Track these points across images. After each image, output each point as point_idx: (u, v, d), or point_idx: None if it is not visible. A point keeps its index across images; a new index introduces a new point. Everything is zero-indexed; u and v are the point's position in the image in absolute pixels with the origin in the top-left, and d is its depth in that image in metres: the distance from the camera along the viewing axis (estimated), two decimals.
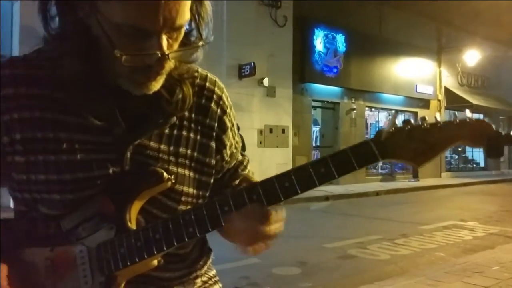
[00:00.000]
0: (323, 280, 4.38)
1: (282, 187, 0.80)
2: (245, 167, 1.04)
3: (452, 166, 20.92)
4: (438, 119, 0.77)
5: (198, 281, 1.01)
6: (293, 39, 13.22)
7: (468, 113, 0.77)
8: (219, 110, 0.97)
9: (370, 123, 17.47)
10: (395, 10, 16.25)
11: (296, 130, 13.50)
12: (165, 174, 0.85)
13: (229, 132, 1.00)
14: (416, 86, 17.43)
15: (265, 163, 11.64)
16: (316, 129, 15.94)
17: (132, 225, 0.84)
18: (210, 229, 0.81)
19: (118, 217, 0.83)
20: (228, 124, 0.99)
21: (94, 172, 0.84)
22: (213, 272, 1.07)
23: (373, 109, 17.06)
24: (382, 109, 17.13)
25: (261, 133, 12.28)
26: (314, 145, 15.53)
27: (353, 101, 15.30)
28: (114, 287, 0.82)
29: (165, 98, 0.88)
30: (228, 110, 0.99)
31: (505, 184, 16.73)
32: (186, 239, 0.81)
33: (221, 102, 0.98)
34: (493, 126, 0.75)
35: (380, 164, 17.64)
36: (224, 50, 11.34)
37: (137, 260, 0.81)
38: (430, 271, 4.34)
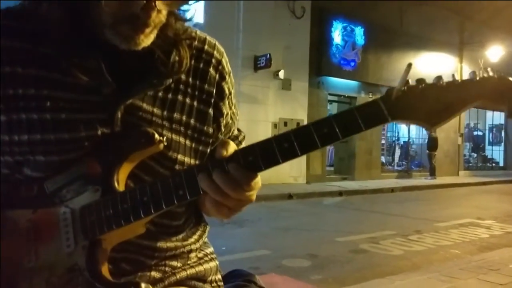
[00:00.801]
0: (334, 273, 4.30)
1: (281, 149, 0.72)
2: (240, 142, 0.99)
3: (470, 164, 20.54)
4: (456, 77, 0.68)
5: (193, 256, 0.94)
6: (310, 31, 13.05)
7: (489, 70, 0.68)
8: (217, 76, 0.91)
9: None
10: (417, 3, 15.92)
11: None
12: (156, 135, 0.79)
13: (227, 100, 0.94)
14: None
15: None
16: None
17: (120, 189, 0.78)
18: (201, 192, 0.74)
19: (105, 179, 0.78)
20: (227, 92, 0.93)
21: (81, 133, 0.78)
22: (210, 250, 1.01)
23: None
24: None
25: (275, 126, 12.18)
26: None
27: (370, 96, 15.03)
28: (98, 252, 0.76)
29: (160, 58, 0.82)
30: (227, 77, 0.94)
31: None
32: (175, 202, 0.75)
33: (220, 67, 0.92)
34: None
35: (396, 161, 17.47)
36: (239, 41, 11.28)
37: (123, 223, 0.75)
38: (444, 268, 4.22)
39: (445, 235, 6.32)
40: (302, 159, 12.62)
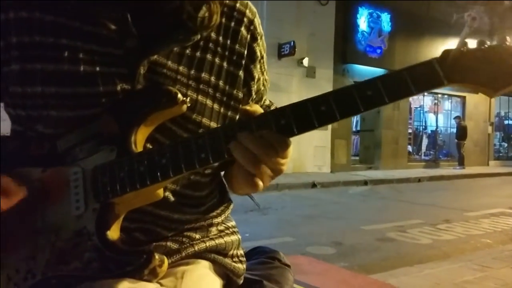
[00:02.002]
0: (360, 261, 4.20)
1: (318, 112, 0.64)
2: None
3: (501, 154, 19.94)
4: None
5: (213, 229, 0.88)
6: (335, 17, 12.78)
7: None
8: (249, 36, 0.85)
9: (414, 108, 16.84)
10: None
11: None
12: (179, 95, 0.72)
13: (258, 64, 0.87)
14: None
15: (303, 145, 11.44)
16: None
17: (137, 150, 0.72)
18: (226, 156, 0.67)
19: (121, 139, 0.72)
20: (258, 54, 0.86)
21: (100, 88, 0.73)
22: (232, 223, 0.94)
23: None
24: (428, 93, 16.45)
25: None
26: (354, 129, 15.15)
27: None
28: (110, 217, 0.70)
29: (188, 12, 0.76)
30: (260, 39, 0.87)
31: None
32: (197, 166, 0.68)
33: (252, 28, 0.85)
34: None
35: (423, 150, 17.09)
36: (263, 28, 11.04)
37: (138, 186, 0.69)
38: (476, 257, 4.08)
39: (475, 224, 6.13)
40: (327, 148, 12.47)
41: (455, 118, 16.52)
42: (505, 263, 3.77)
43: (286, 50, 11.45)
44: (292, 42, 11.28)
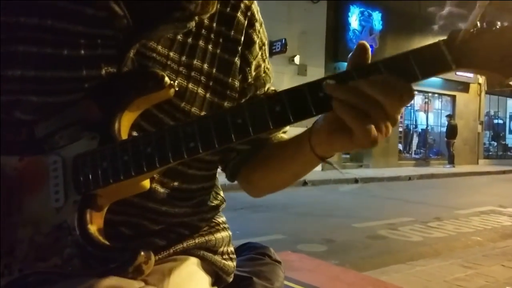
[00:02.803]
0: (351, 258, 4.19)
1: (314, 96, 0.60)
2: None
3: (490, 153, 20.16)
4: None
5: (203, 225, 0.84)
6: (327, 16, 12.84)
7: None
8: (246, 22, 0.80)
9: (405, 107, 16.92)
10: None
11: None
12: (166, 78, 0.67)
13: (256, 50, 0.82)
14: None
15: None
16: None
17: (121, 138, 0.67)
18: (216, 145, 0.62)
19: (104, 126, 0.67)
20: (256, 39, 0.82)
21: (83, 72, 0.68)
22: (222, 219, 0.90)
23: None
24: (419, 91, 16.52)
25: None
26: None
27: None
28: (92, 210, 0.66)
29: None
30: (257, 25, 0.83)
31: None
32: (185, 156, 0.63)
33: (249, 13, 0.81)
34: None
35: (413, 148, 17.19)
36: None
37: (122, 177, 0.64)
38: (467, 254, 4.10)
39: (466, 222, 6.17)
40: None
41: (446, 116, 16.63)
42: (496, 261, 3.78)
43: (278, 48, 11.44)
44: (283, 40, 11.27)
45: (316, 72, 12.61)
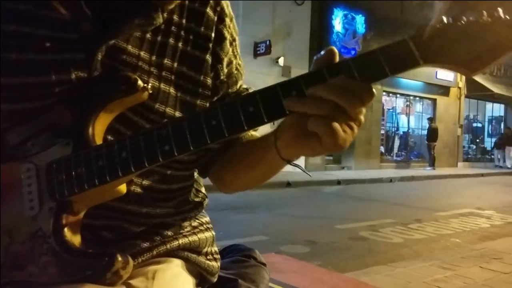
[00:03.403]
0: (334, 260, 4.22)
1: (287, 96, 0.60)
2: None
3: (469, 156, 20.52)
4: (501, 13, 0.55)
5: (186, 225, 0.83)
6: (311, 18, 12.90)
7: None
8: (216, 18, 0.79)
9: (387, 109, 17.13)
10: None
11: None
12: (139, 81, 0.66)
13: (227, 46, 0.81)
14: (436, 72, 16.93)
15: None
16: None
17: (96, 143, 0.66)
18: (191, 148, 0.62)
19: (78, 132, 0.66)
20: (226, 35, 0.80)
21: (52, 77, 0.66)
22: (206, 219, 0.90)
23: (390, 95, 16.71)
24: (400, 94, 16.76)
25: None
26: None
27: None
28: (68, 216, 0.65)
29: None
30: (228, 20, 0.81)
31: None
32: (160, 159, 0.62)
33: (218, 8, 0.80)
34: None
35: (395, 151, 17.40)
36: (239, 27, 10.92)
37: (97, 183, 0.63)
38: (446, 256, 4.15)
39: (445, 224, 6.26)
40: None
41: (428, 119, 16.86)
42: (474, 262, 3.84)
43: (262, 49, 11.45)
44: (268, 41, 11.30)
45: (300, 74, 12.68)
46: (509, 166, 18.38)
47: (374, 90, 0.58)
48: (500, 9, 0.56)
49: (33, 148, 0.67)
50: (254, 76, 11.21)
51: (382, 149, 16.45)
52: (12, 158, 0.67)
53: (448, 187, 11.66)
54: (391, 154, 17.18)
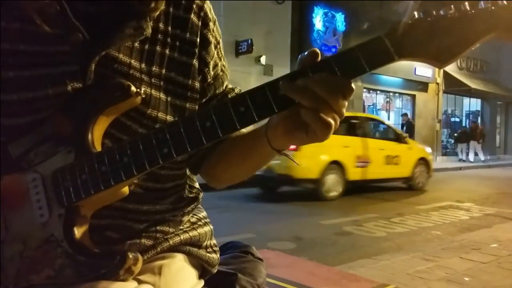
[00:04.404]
0: (319, 255, 4.30)
1: (275, 95, 0.64)
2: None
3: (448, 150, 20.91)
4: (467, 7, 0.60)
5: (185, 221, 0.87)
6: (291, 16, 12.96)
7: None
8: (200, 23, 0.82)
9: (368, 105, 17.32)
10: None
11: None
12: (132, 87, 0.70)
13: (212, 50, 0.84)
14: (415, 68, 17.25)
15: None
16: None
17: (96, 149, 0.69)
18: (189, 149, 0.66)
19: (78, 139, 0.69)
20: (211, 39, 0.84)
21: (49, 90, 0.69)
22: (203, 214, 0.94)
23: (371, 91, 16.91)
24: (380, 91, 16.99)
25: None
26: None
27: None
28: (77, 221, 0.68)
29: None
30: (211, 24, 0.84)
31: (500, 169, 16.73)
32: (160, 162, 0.66)
33: (202, 14, 0.82)
34: None
35: None
36: (221, 26, 10.87)
37: (102, 187, 0.67)
38: (427, 248, 4.28)
39: (426, 217, 6.42)
40: None
41: (402, 115, 17.02)
42: (454, 253, 3.98)
43: (244, 48, 11.47)
44: (249, 40, 11.32)
45: (282, 72, 12.15)
46: (472, 160, 18.45)
47: (353, 86, 0.63)
48: (466, 4, 0.61)
49: (36, 158, 0.70)
50: (236, 74, 11.24)
51: None
52: (17, 169, 0.70)
53: (428, 180, 11.89)
54: None
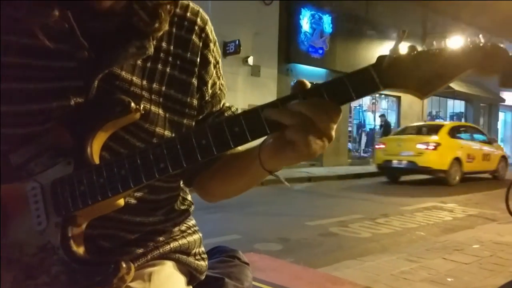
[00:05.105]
0: (305, 256, 4.34)
1: (268, 120, 0.67)
2: (233, 114, 0.94)
3: None
4: (448, 44, 0.66)
5: (176, 230, 0.90)
6: (279, 18, 13.03)
7: (481, 37, 0.67)
8: (201, 44, 0.86)
9: (354, 106, 17.48)
10: None
11: None
12: (132, 104, 0.73)
13: (211, 69, 0.89)
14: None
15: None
16: None
17: (94, 161, 0.72)
18: (184, 165, 0.69)
19: (77, 151, 0.71)
20: (211, 59, 0.88)
21: (52, 103, 0.72)
22: (192, 222, 0.97)
23: None
24: None
25: None
26: None
27: None
28: (73, 230, 0.71)
29: (141, 18, 0.76)
30: (212, 45, 0.89)
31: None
32: (156, 176, 0.69)
33: (203, 35, 0.87)
34: (509, 52, 0.64)
35: (362, 147, 17.80)
36: None
37: (99, 198, 0.69)
38: (411, 249, 4.35)
39: (410, 218, 6.50)
40: None
41: (380, 116, 17.02)
42: (437, 254, 4.05)
43: (231, 49, 11.49)
44: (237, 41, 11.34)
45: (269, 73, 12.79)
46: None
47: (341, 108, 0.67)
48: (446, 41, 0.67)
49: (36, 167, 0.72)
50: (224, 75, 11.25)
51: (350, 146, 16.78)
52: (17, 178, 0.72)
53: (412, 181, 12.03)
54: (359, 151, 17.57)
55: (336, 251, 4.59)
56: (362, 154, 17.49)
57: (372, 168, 14.68)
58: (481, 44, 0.64)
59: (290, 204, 7.80)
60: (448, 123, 13.06)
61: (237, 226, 5.58)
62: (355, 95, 0.66)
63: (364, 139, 18.19)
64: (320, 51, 14.28)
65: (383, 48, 16.44)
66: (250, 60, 12.11)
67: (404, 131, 12.56)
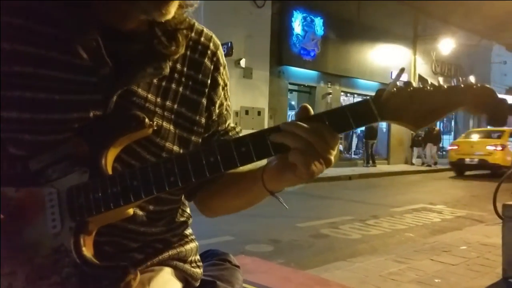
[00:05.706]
0: (296, 257, 4.41)
1: (273, 142, 0.74)
2: (237, 133, 1.00)
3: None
4: (441, 83, 0.74)
5: (175, 239, 0.97)
6: (271, 20, 13.08)
7: (472, 79, 0.73)
8: (212, 67, 0.93)
9: None
10: None
11: (272, 113, 13.45)
12: (146, 120, 0.79)
13: (220, 91, 0.96)
14: (392, 73, 17.55)
15: None
16: (291, 113, 15.95)
17: (108, 172, 0.78)
18: (193, 180, 0.75)
19: (93, 161, 0.77)
20: (220, 82, 0.95)
21: (73, 114, 0.78)
22: (189, 231, 1.03)
23: (348, 94, 17.16)
24: (358, 94, 17.25)
25: (236, 115, 12.17)
26: None
27: (329, 86, 15.32)
28: (85, 233, 0.76)
29: (160, 41, 0.84)
30: (222, 68, 0.96)
31: (473, 172, 17.20)
32: (166, 188, 0.75)
33: (214, 59, 0.94)
34: (497, 94, 0.72)
35: (353, 149, 17.92)
36: None
37: (112, 206, 0.75)
38: (400, 250, 4.43)
39: (400, 219, 6.59)
40: None
41: None
42: (425, 255, 4.14)
43: (224, 51, 11.07)
44: (229, 43, 11.36)
45: (261, 76, 12.85)
46: (430, 163, 18.06)
47: (339, 136, 0.74)
48: (440, 80, 0.73)
49: (53, 174, 0.77)
50: None
51: (341, 147, 16.87)
52: (35, 183, 0.77)
53: (403, 183, 12.16)
54: (349, 153, 17.67)
55: (327, 253, 4.66)
56: (353, 156, 17.59)
57: (364, 169, 14.80)
58: (472, 85, 0.71)
59: (281, 205, 7.80)
60: (507, 129, 15.01)
61: (230, 228, 5.60)
62: (355, 125, 0.72)
63: (355, 141, 18.30)
64: (312, 54, 14.37)
65: (374, 51, 16.59)
66: (242, 63, 12.15)
67: (469, 135, 15.93)
